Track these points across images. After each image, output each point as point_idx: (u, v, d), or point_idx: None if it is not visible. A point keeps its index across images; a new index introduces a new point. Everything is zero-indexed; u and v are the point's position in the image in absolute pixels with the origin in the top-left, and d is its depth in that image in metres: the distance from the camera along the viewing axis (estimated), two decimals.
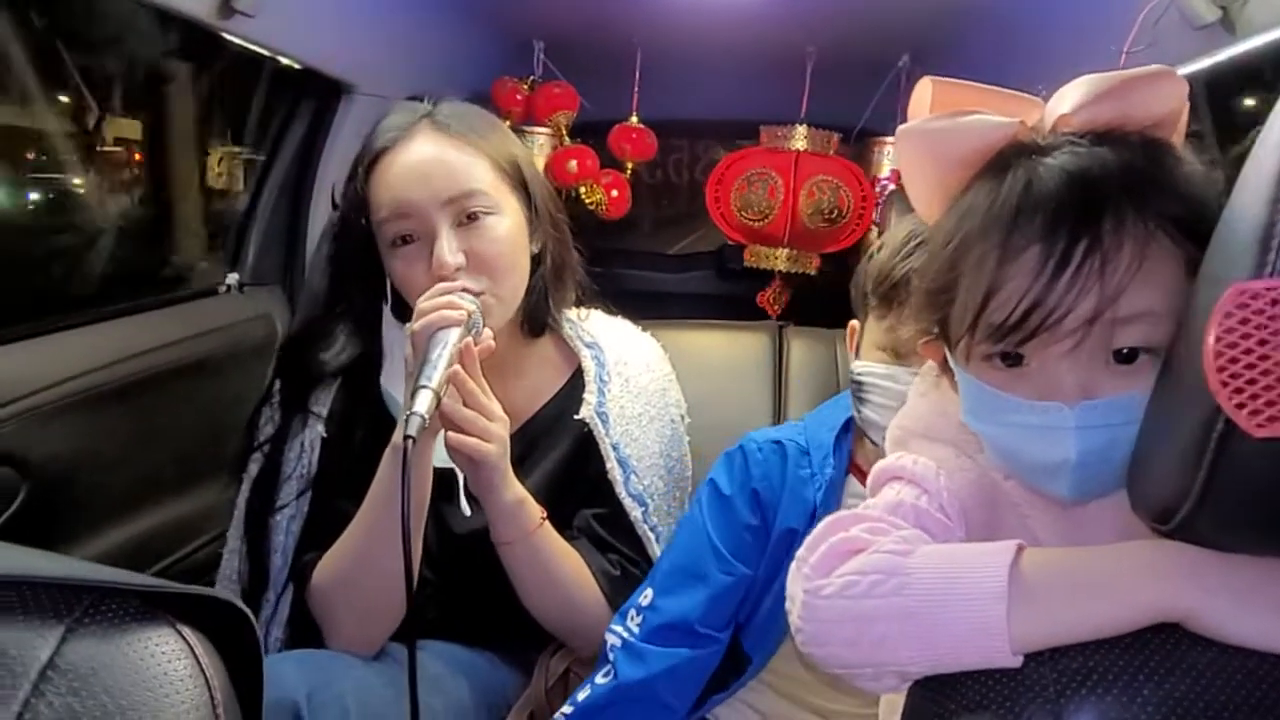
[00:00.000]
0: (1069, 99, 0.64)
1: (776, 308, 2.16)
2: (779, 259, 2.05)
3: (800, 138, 1.97)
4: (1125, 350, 0.59)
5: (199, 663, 0.46)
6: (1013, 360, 0.62)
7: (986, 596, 0.54)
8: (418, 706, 0.85)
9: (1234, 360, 0.44)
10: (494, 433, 1.02)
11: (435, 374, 0.93)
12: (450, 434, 1.00)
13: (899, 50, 1.75)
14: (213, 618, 0.50)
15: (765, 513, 1.06)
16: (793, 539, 1.03)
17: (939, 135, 0.66)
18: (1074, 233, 0.58)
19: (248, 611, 0.51)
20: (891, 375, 1.00)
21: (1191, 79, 1.22)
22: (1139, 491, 0.55)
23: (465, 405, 1.00)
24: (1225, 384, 0.44)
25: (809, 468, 1.07)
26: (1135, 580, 0.53)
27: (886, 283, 1.01)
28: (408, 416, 0.89)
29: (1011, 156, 0.63)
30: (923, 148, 0.68)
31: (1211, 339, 0.44)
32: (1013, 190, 0.61)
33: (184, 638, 0.47)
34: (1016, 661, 0.53)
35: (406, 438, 0.88)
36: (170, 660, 0.45)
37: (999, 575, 0.54)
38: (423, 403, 0.91)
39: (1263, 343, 0.43)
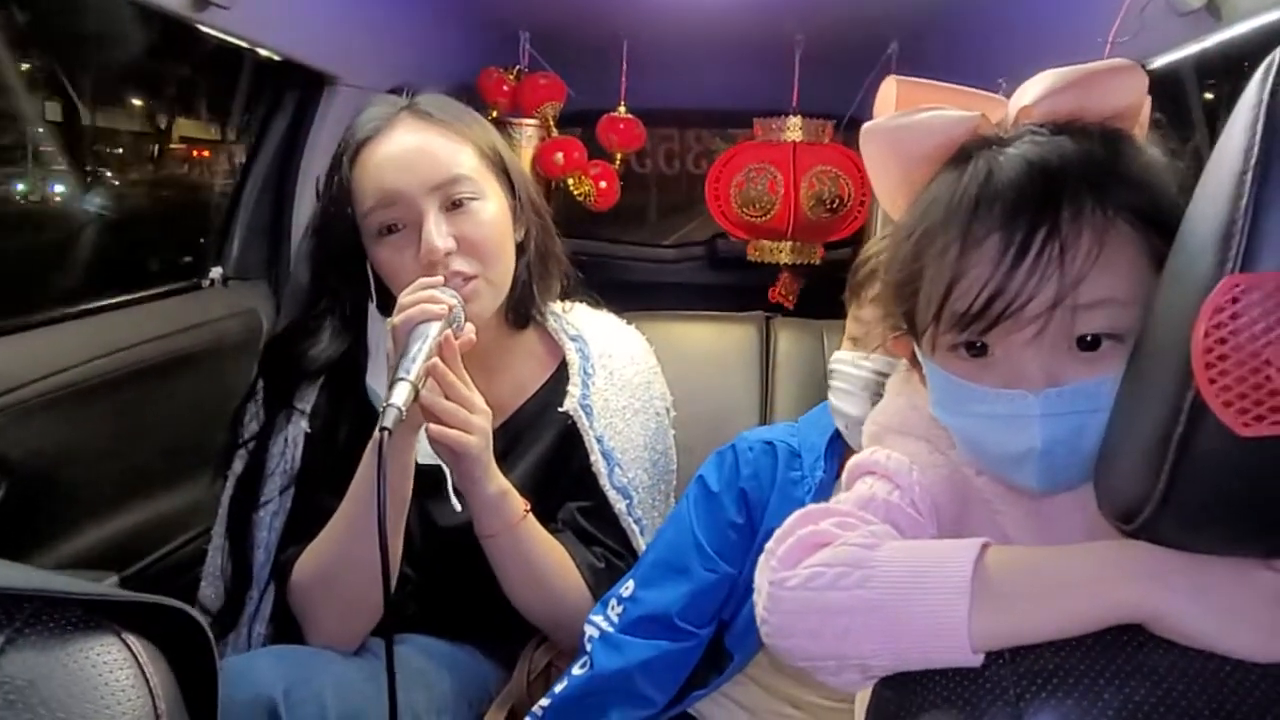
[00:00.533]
0: (1030, 91, 0.64)
1: (790, 299, 2.15)
2: (783, 252, 2.04)
3: (795, 128, 1.96)
4: (1089, 337, 0.59)
5: (143, 671, 0.45)
6: (977, 350, 0.63)
7: (948, 592, 0.54)
8: (396, 701, 0.85)
9: (1223, 357, 0.43)
10: (475, 424, 1.01)
11: (414, 367, 0.93)
12: (431, 426, 0.99)
13: (887, 37, 1.74)
14: (163, 623, 0.49)
15: (752, 512, 1.06)
16: None
17: (902, 132, 0.67)
18: (1033, 220, 0.58)
19: (199, 618, 0.50)
20: (852, 361, 1.03)
21: (1178, 66, 1.21)
22: (1104, 491, 0.54)
23: (446, 398, 1.00)
24: (1213, 380, 0.43)
25: (800, 470, 1.07)
26: (1099, 580, 0.53)
27: (858, 273, 1.04)
28: (384, 409, 0.89)
29: (972, 149, 0.64)
30: (886, 145, 0.68)
31: (1201, 333, 0.43)
32: (973, 180, 0.61)
33: (128, 646, 0.46)
34: (977, 660, 0.53)
35: (382, 429, 0.88)
36: (112, 670, 0.44)
37: (962, 572, 0.54)
38: (399, 395, 0.90)
39: (1253, 338, 0.42)
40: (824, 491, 1.05)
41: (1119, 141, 0.62)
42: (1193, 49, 1.17)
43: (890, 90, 0.70)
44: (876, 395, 0.96)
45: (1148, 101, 0.65)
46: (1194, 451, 0.45)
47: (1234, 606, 0.49)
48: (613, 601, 1.08)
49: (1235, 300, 0.43)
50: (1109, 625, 0.51)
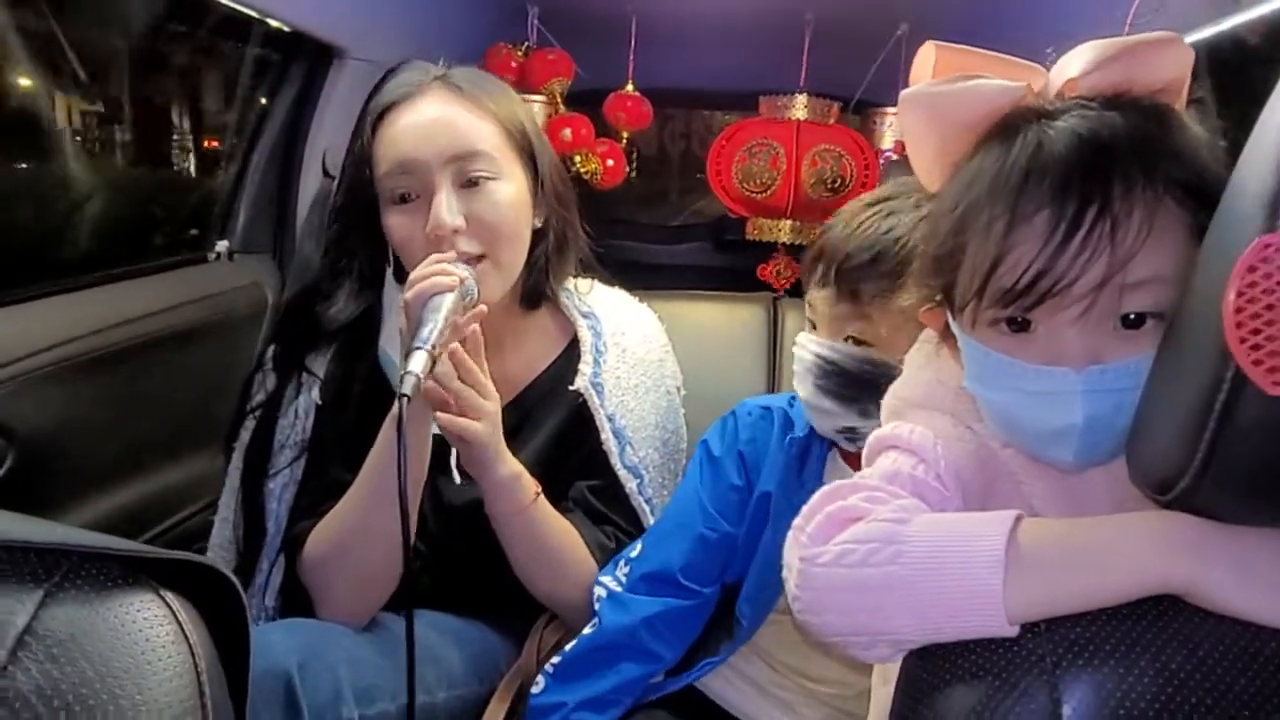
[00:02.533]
0: (1075, 63, 0.63)
1: (783, 281, 2.14)
2: (782, 230, 2.03)
3: (800, 107, 1.94)
4: (1133, 315, 0.59)
5: (182, 628, 0.45)
6: (1019, 326, 0.62)
7: (983, 565, 0.53)
8: (414, 674, 0.85)
9: (1255, 315, 0.43)
10: (485, 410, 1.01)
11: (431, 336, 0.93)
12: (440, 415, 0.99)
13: (897, 18, 1.72)
14: (197, 584, 0.49)
15: (749, 475, 1.10)
16: (768, 501, 1.06)
17: (943, 100, 0.66)
18: (1084, 197, 0.57)
19: (233, 578, 0.50)
20: (799, 343, 1.03)
21: (1197, 47, 1.20)
22: (1138, 462, 0.54)
23: (460, 379, 0.99)
24: (1244, 340, 0.43)
25: (792, 433, 1.09)
26: (1135, 551, 0.53)
27: (809, 255, 1.04)
28: (402, 376, 0.89)
29: (1019, 121, 0.63)
30: (926, 113, 0.67)
31: (1232, 294, 0.43)
32: (1022, 153, 0.60)
33: (167, 603, 0.46)
34: (1013, 631, 0.53)
35: (401, 395, 0.88)
36: (153, 626, 0.44)
37: (996, 544, 0.54)
38: (417, 363, 0.90)
39: None
40: (813, 454, 1.07)
41: (1167, 116, 0.61)
42: (1210, 31, 1.16)
43: (928, 56, 0.69)
44: (818, 380, 0.99)
45: (1189, 76, 0.64)
46: (1235, 421, 0.45)
47: (1271, 576, 0.49)
48: (621, 562, 1.11)
49: (1266, 260, 0.43)
50: (1145, 595, 0.51)
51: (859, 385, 0.96)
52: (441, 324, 0.94)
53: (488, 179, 1.08)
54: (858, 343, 0.98)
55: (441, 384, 0.98)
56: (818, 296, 1.01)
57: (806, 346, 1.01)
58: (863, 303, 0.96)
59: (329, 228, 1.20)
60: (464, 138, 1.08)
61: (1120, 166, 0.57)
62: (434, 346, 0.92)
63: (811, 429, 1.07)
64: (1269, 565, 0.50)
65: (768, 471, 1.08)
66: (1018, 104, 0.64)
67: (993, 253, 0.60)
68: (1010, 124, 0.63)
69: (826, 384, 0.99)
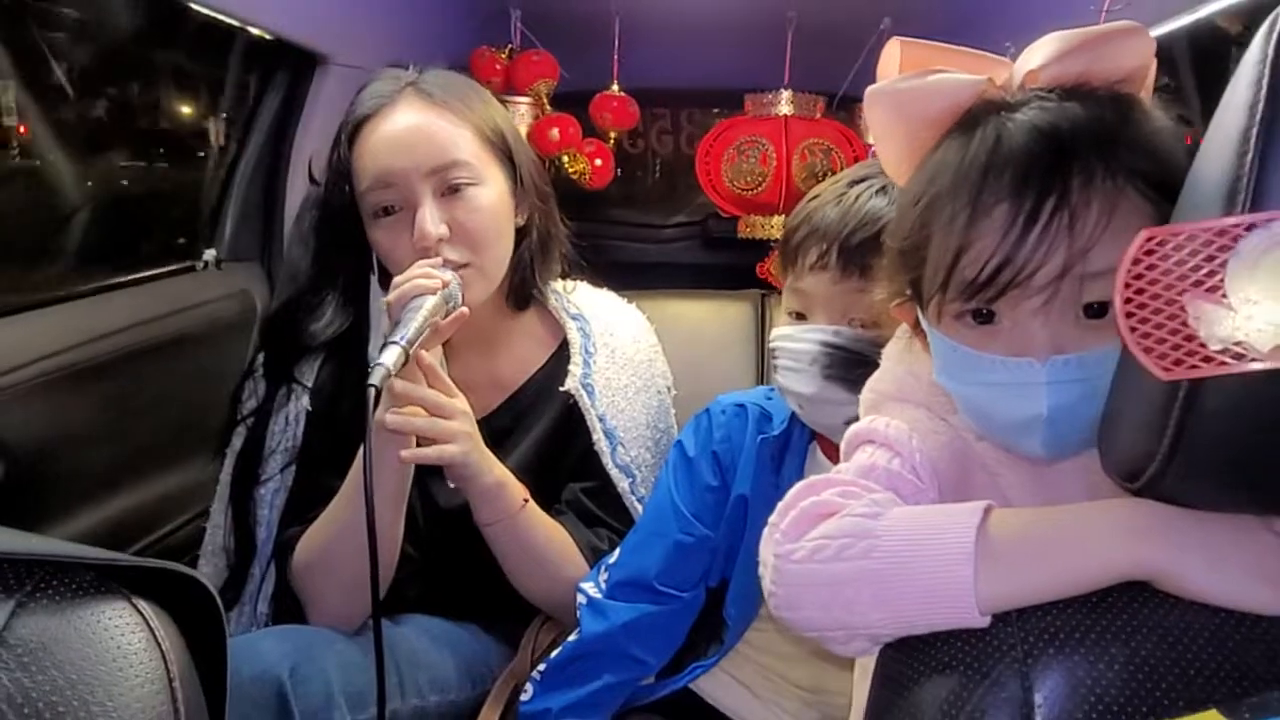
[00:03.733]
0: (1037, 55, 0.63)
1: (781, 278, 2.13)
2: (774, 227, 2.02)
3: (785, 103, 1.94)
4: (1096, 305, 0.59)
5: (154, 635, 0.45)
6: (984, 318, 0.62)
7: (953, 557, 0.54)
8: (384, 680, 0.86)
9: (1141, 306, 0.45)
10: (455, 431, 1.01)
11: (407, 334, 0.93)
12: (404, 453, 0.99)
13: (880, 13, 1.73)
14: (172, 592, 0.49)
15: (725, 475, 1.07)
16: (744, 505, 1.04)
17: (907, 95, 0.66)
18: (1042, 189, 0.58)
19: (209, 585, 0.50)
20: (794, 335, 0.98)
21: (1176, 35, 1.21)
22: (1108, 450, 0.55)
23: (428, 384, 1.00)
24: (1134, 329, 0.46)
25: (769, 430, 1.07)
26: (1104, 538, 0.53)
27: (793, 238, 1.00)
28: (372, 368, 0.89)
29: (980, 114, 0.63)
30: (892, 108, 0.68)
31: (1120, 283, 0.46)
32: (981, 147, 0.61)
33: (139, 611, 0.46)
34: (984, 621, 0.53)
35: (369, 386, 0.88)
36: (124, 633, 0.44)
37: (966, 536, 0.54)
38: (389, 356, 0.91)
39: (1168, 287, 0.45)
40: (792, 451, 1.05)
41: (1128, 107, 0.62)
42: (1187, 20, 1.17)
43: (894, 52, 0.69)
44: (826, 369, 0.94)
45: (1153, 65, 0.64)
46: (1199, 408, 0.46)
47: (1238, 561, 0.50)
48: (602, 569, 1.09)
49: (1150, 253, 0.46)
50: (1115, 583, 0.52)
51: (869, 368, 0.94)
52: (420, 323, 0.94)
53: (468, 185, 1.08)
54: (861, 325, 0.94)
55: (401, 429, 0.98)
56: (814, 281, 0.97)
57: (804, 337, 0.96)
58: (871, 278, 0.91)
59: (309, 242, 1.20)
60: (442, 148, 1.08)
61: (1079, 158, 0.58)
62: (409, 344, 0.93)
63: (788, 425, 1.05)
64: (1236, 549, 0.50)
65: (742, 473, 1.06)
66: (980, 97, 0.64)
67: (955, 246, 0.61)
68: (972, 118, 0.64)
69: (835, 372, 0.94)
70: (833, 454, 1.04)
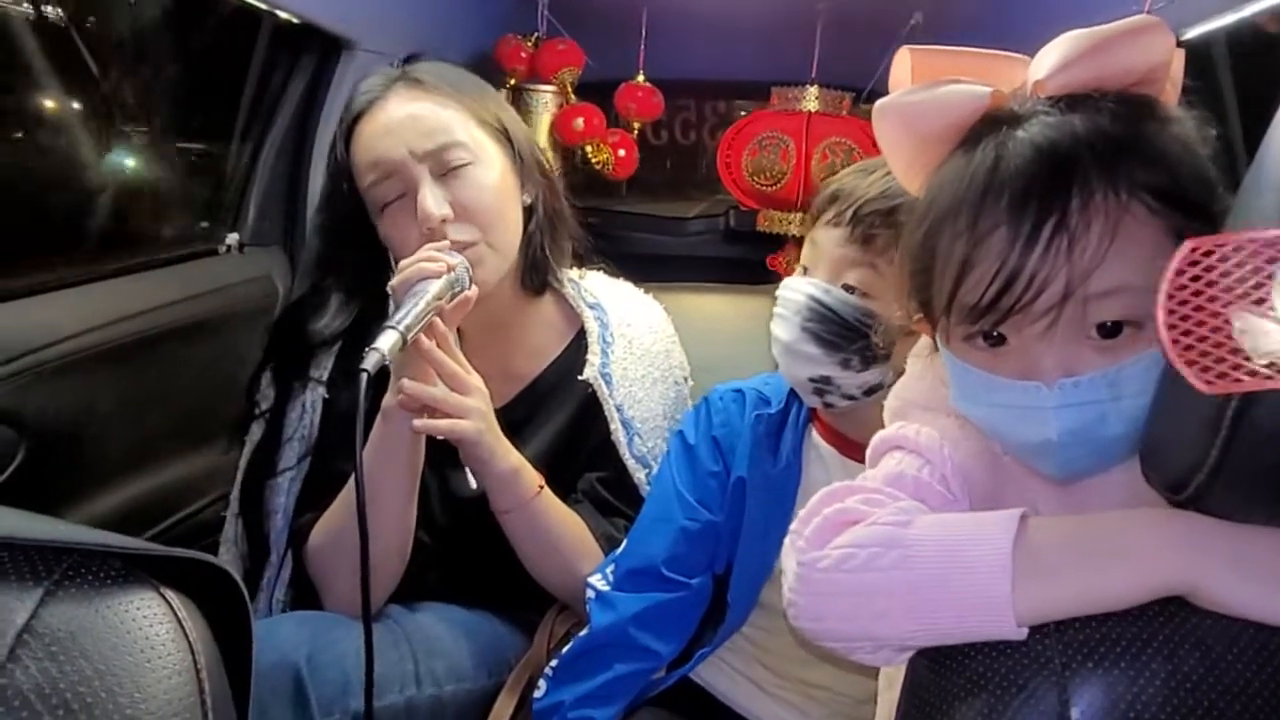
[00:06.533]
0: (1045, 63, 0.61)
1: (793, 271, 2.12)
2: (792, 223, 2.02)
3: (812, 98, 1.92)
4: (1109, 324, 0.57)
5: (182, 626, 0.45)
6: (994, 340, 0.61)
7: (989, 568, 0.53)
8: (372, 667, 0.87)
9: (1185, 318, 0.44)
10: (469, 408, 1.01)
11: (406, 318, 0.93)
12: (416, 422, 0.99)
13: (911, 6, 1.70)
14: (198, 581, 0.49)
15: (725, 459, 1.08)
16: (743, 487, 1.05)
17: (914, 109, 0.64)
18: (1040, 212, 0.55)
19: (234, 574, 0.50)
20: (790, 284, 1.00)
21: (1217, 33, 1.18)
22: (1151, 460, 0.53)
23: (441, 379, 0.99)
24: (1176, 341, 0.45)
25: (765, 410, 1.09)
26: (1143, 550, 0.52)
27: (822, 195, 1.02)
28: (367, 352, 0.89)
29: (983, 130, 0.61)
30: (899, 123, 0.65)
31: (1162, 296, 0.45)
32: (980, 168, 0.59)
33: (167, 601, 0.46)
34: (1021, 634, 0.52)
35: (361, 370, 0.88)
36: (152, 624, 0.44)
37: (1002, 546, 0.53)
38: (385, 341, 0.90)
39: (1212, 299, 0.44)
40: (789, 430, 1.06)
41: (1140, 114, 0.59)
42: (1231, 18, 1.14)
43: (905, 62, 0.66)
44: (807, 321, 0.96)
45: (1179, 58, 0.61)
46: (1249, 422, 0.45)
47: (1278, 577, 0.48)
48: (609, 563, 1.09)
49: (1194, 264, 0.44)
50: (1154, 597, 0.50)
51: (847, 333, 0.94)
52: (421, 308, 0.94)
53: (466, 165, 1.08)
54: (853, 292, 0.96)
55: (416, 397, 0.98)
56: (825, 235, 0.98)
57: (798, 288, 0.98)
58: (874, 250, 0.94)
59: (314, 244, 1.20)
60: (434, 129, 1.08)
61: (1079, 177, 0.55)
62: (407, 328, 0.92)
63: (785, 404, 1.06)
64: (1275, 564, 0.49)
65: (739, 455, 1.07)
66: (987, 110, 0.62)
67: (955, 270, 0.59)
68: (975, 134, 0.61)
69: (814, 327, 0.96)
70: (828, 435, 1.05)
